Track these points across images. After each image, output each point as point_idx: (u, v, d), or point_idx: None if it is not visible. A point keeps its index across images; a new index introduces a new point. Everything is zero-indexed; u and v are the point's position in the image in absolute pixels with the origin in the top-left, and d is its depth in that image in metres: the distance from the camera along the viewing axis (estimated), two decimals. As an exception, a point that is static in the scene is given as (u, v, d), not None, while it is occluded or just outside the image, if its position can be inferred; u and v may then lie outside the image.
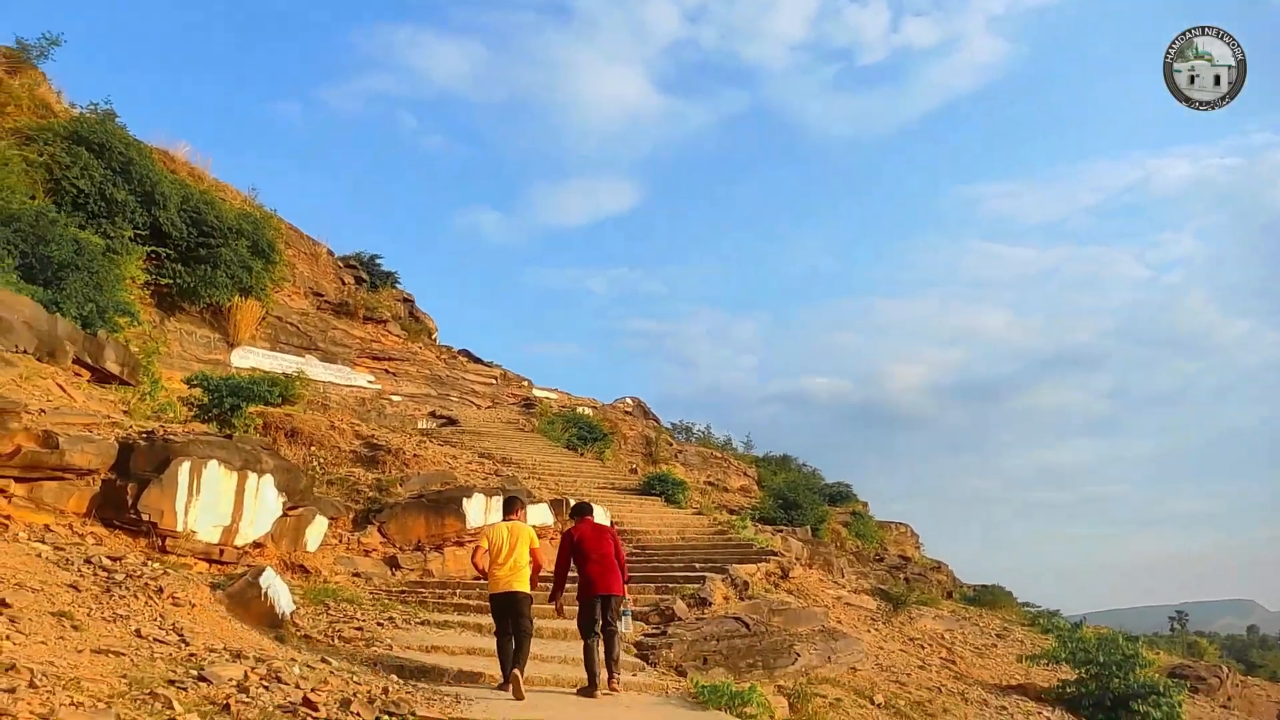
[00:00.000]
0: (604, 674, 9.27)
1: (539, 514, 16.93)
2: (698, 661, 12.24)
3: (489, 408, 30.06)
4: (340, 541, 14.49)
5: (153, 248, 22.05)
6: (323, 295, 27.91)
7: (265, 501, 12.04)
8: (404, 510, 15.22)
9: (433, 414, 27.64)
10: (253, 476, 11.82)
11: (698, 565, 16.33)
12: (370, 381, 27.58)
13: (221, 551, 11.56)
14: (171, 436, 11.26)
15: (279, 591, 9.80)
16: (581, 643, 9.45)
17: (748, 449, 37.23)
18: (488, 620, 12.19)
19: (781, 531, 25.19)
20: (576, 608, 9.64)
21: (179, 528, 11.00)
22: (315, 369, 26.19)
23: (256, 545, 12.26)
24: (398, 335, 29.70)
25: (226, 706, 6.29)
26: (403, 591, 13.56)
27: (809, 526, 27.72)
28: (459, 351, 32.95)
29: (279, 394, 20.88)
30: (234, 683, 6.98)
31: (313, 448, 16.52)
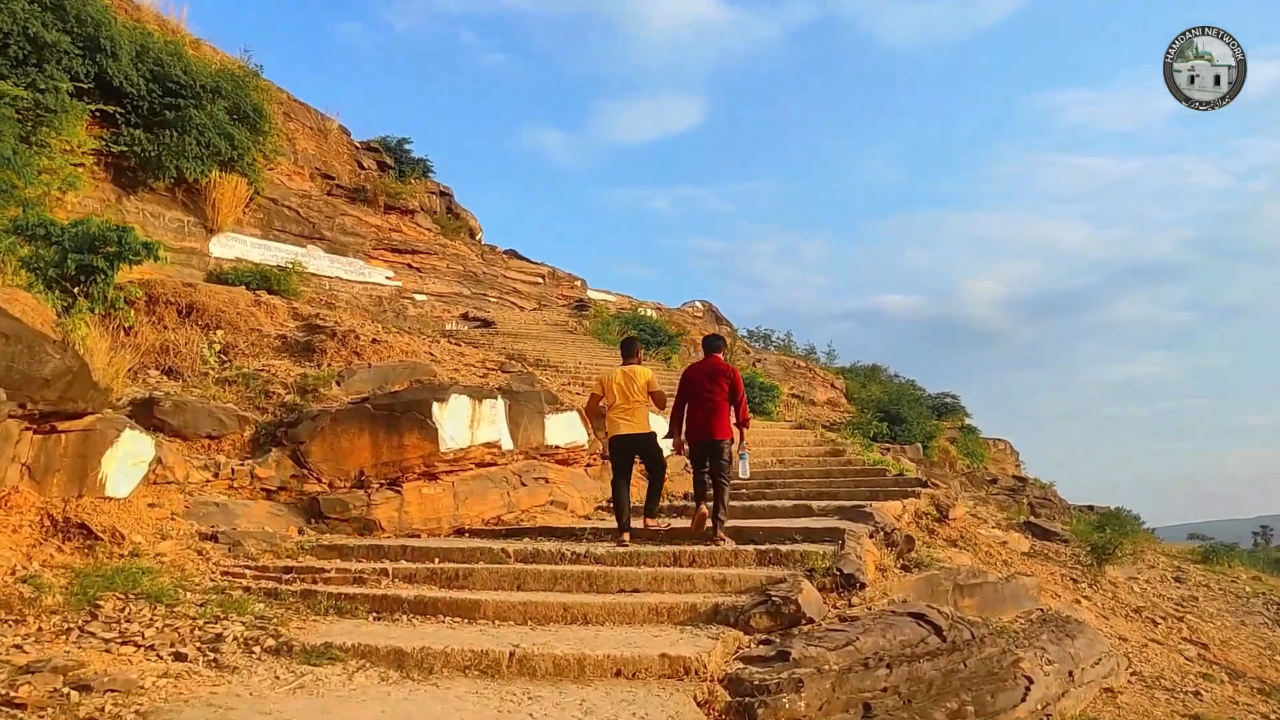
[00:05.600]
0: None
1: (565, 425, 9.95)
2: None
3: (534, 310, 23.09)
4: (217, 475, 7.65)
5: (100, 106, 15.30)
6: (334, 179, 21.00)
7: (-60, 400, 5.17)
8: (336, 423, 8.28)
9: (465, 316, 20.76)
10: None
11: (815, 506, 9.22)
12: (389, 278, 20.73)
13: None
14: None
15: None
16: None
17: (831, 360, 29.72)
18: (427, 640, 5.32)
19: (890, 450, 18.02)
20: None
21: None
22: (318, 261, 19.41)
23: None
24: (427, 228, 22.72)
25: None
26: (287, 572, 6.57)
27: (919, 444, 20.47)
28: (505, 252, 25.92)
29: (266, 289, 14.39)
30: None
31: (218, 330, 9.67)
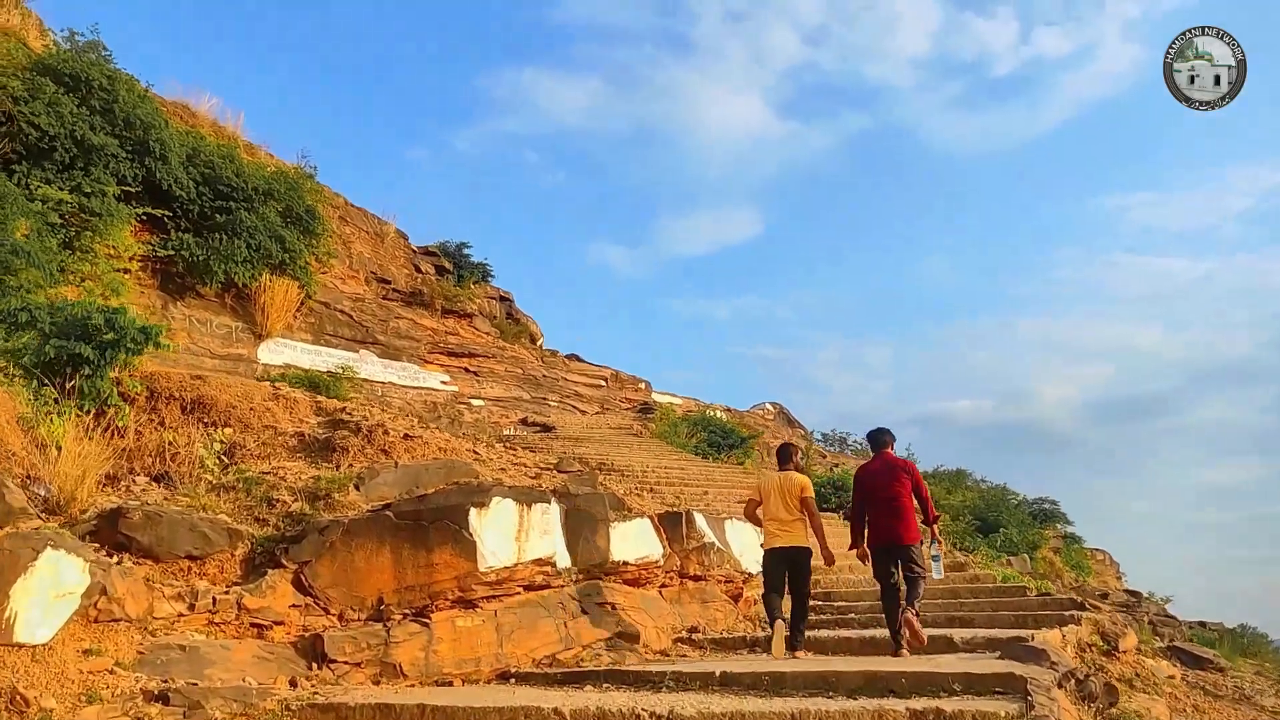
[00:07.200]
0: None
1: (635, 536, 7.95)
2: None
3: (597, 414, 21.33)
4: (193, 607, 5.79)
5: (147, 209, 14.27)
6: (389, 282, 19.80)
7: None
8: (349, 536, 6.42)
9: (523, 421, 19.03)
10: None
11: (957, 639, 7.02)
12: (444, 383, 19.20)
13: None
14: None
15: None
16: None
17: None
18: None
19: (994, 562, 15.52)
20: None
21: None
22: (371, 366, 18.03)
23: None
24: (485, 332, 21.32)
25: None
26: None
27: (1025, 556, 17.86)
28: (566, 356, 24.38)
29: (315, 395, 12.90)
30: None
31: (225, 428, 7.98)
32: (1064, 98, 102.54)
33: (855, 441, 26.92)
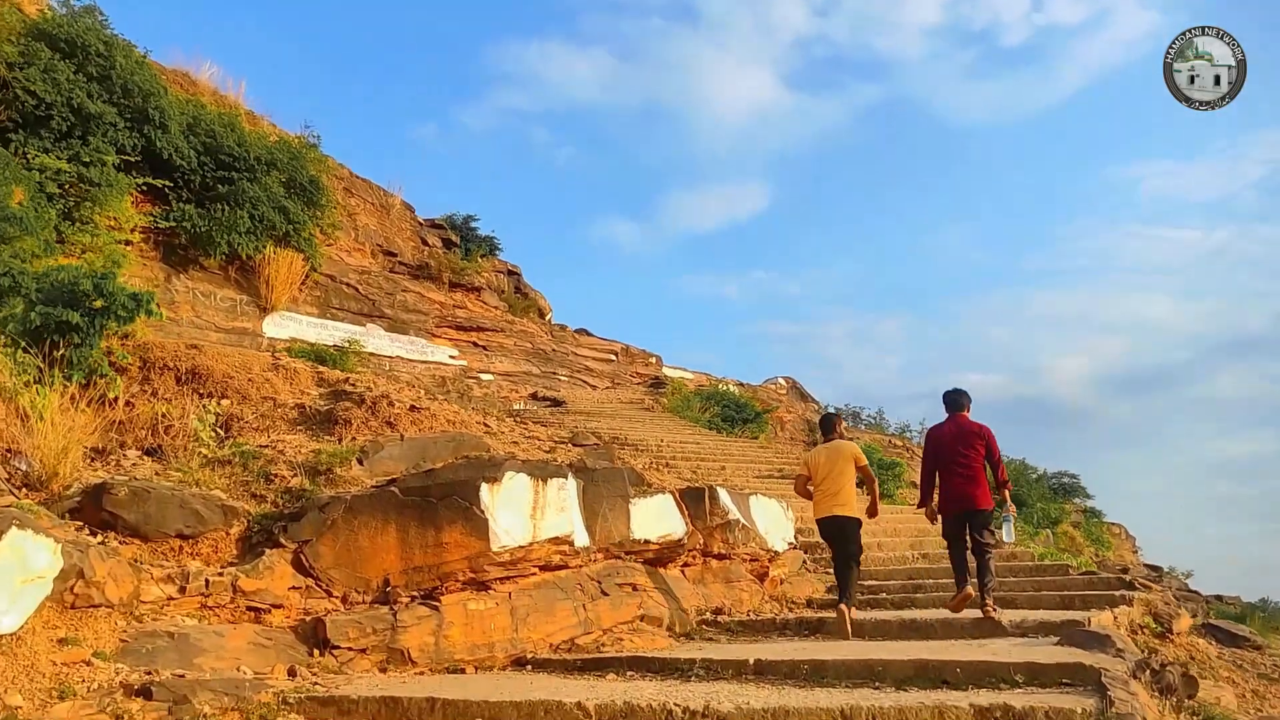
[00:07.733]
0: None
1: (656, 513, 7.42)
2: None
3: (607, 388, 20.78)
4: (184, 590, 5.28)
5: (148, 180, 13.67)
6: (396, 255, 19.21)
7: None
8: (352, 514, 5.91)
9: (534, 395, 18.51)
10: None
11: (1004, 619, 6.49)
12: (453, 357, 18.67)
13: None
14: None
15: None
16: None
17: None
18: None
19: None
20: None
21: None
22: (378, 340, 17.48)
23: None
24: (494, 306, 20.75)
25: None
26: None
27: (1047, 531, 17.34)
28: (576, 331, 23.79)
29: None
30: None
31: (223, 399, 7.47)
32: (1078, 66, 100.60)
33: (869, 416, 26.39)
